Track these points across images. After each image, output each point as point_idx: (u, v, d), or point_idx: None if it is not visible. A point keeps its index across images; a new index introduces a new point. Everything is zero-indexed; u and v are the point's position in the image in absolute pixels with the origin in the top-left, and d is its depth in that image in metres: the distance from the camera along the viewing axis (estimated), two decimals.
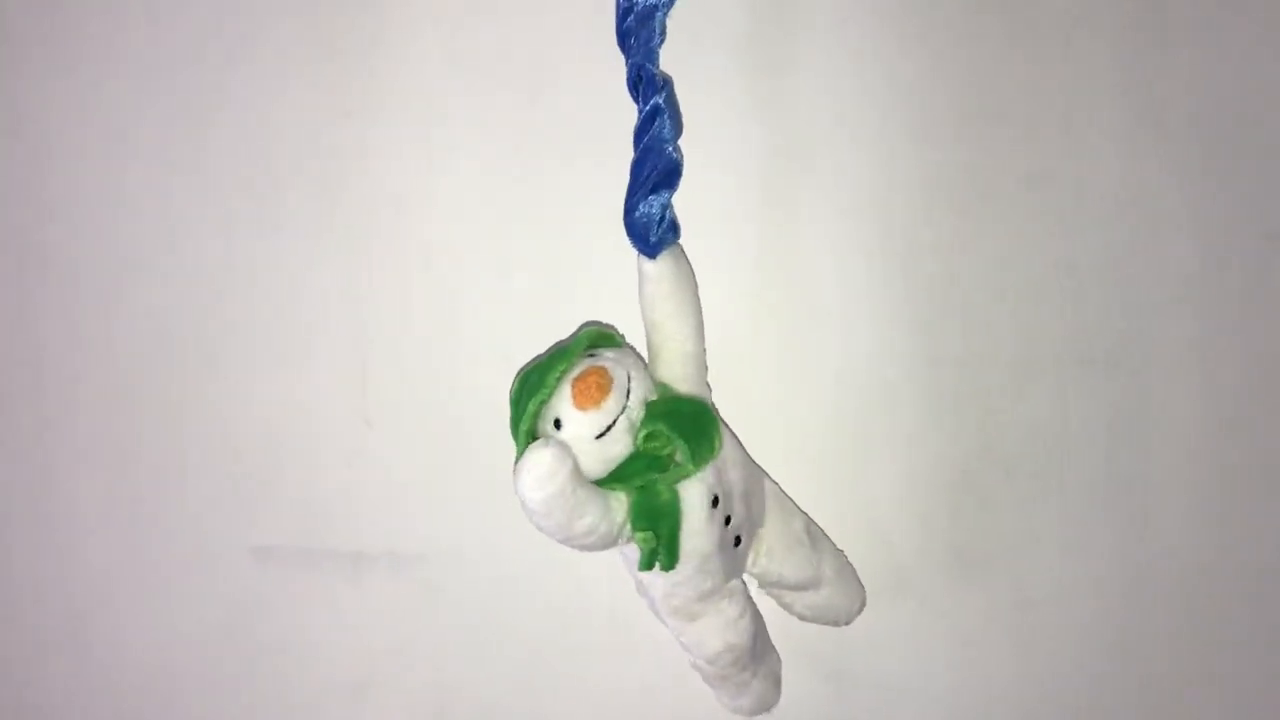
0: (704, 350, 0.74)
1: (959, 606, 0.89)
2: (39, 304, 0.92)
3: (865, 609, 0.82)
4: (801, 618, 0.81)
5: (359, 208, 0.87)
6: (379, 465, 0.90)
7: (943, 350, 0.86)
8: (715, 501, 0.71)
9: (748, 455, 0.76)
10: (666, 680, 0.86)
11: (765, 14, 0.83)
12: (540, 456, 0.65)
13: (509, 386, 0.70)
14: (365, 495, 0.91)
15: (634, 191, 0.70)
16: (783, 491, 0.79)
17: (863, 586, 0.82)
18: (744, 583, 0.77)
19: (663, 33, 0.69)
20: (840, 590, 0.80)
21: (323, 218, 0.87)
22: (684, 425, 0.68)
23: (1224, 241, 0.85)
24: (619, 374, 0.69)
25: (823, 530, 0.81)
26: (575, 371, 0.69)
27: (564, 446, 0.67)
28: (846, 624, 0.81)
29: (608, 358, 0.70)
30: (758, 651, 0.77)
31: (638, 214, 0.70)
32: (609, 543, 0.70)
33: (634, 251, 0.71)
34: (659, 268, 0.71)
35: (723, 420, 0.75)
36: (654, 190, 0.70)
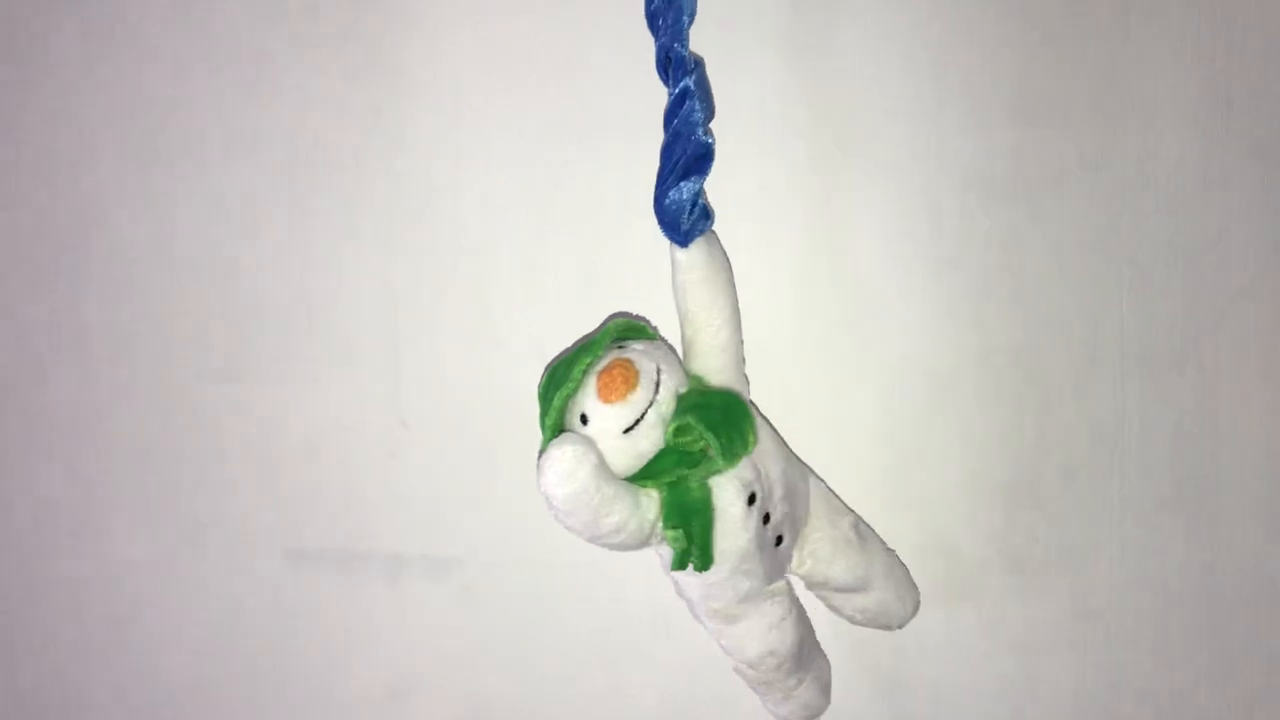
0: (740, 342, 0.72)
1: (1017, 615, 0.86)
2: (78, 310, 0.92)
3: (918, 617, 0.81)
4: (852, 620, 0.79)
5: (389, 205, 0.87)
6: (416, 467, 0.90)
7: (997, 346, 0.83)
8: (752, 499, 0.69)
9: (790, 451, 0.75)
10: (711, 687, 0.84)
11: None
12: (561, 452, 0.64)
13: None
14: (402, 498, 0.90)
15: (664, 177, 0.69)
16: (830, 490, 0.78)
17: (916, 588, 0.80)
18: (789, 584, 0.75)
19: (692, 13, 0.68)
20: (892, 592, 0.78)
21: (352, 216, 0.87)
22: (713, 418, 0.67)
23: None
24: (647, 366, 0.67)
25: (873, 530, 0.79)
26: (601, 364, 0.67)
27: (587, 441, 0.66)
28: (900, 627, 0.80)
29: (635, 349, 0.68)
30: (804, 656, 0.76)
31: (668, 201, 0.69)
32: (641, 542, 0.69)
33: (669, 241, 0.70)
34: (691, 256, 0.70)
35: (761, 415, 0.73)
36: (685, 176, 0.69)
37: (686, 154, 0.69)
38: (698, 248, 0.70)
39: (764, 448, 0.71)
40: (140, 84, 0.89)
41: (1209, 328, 0.83)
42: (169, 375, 0.91)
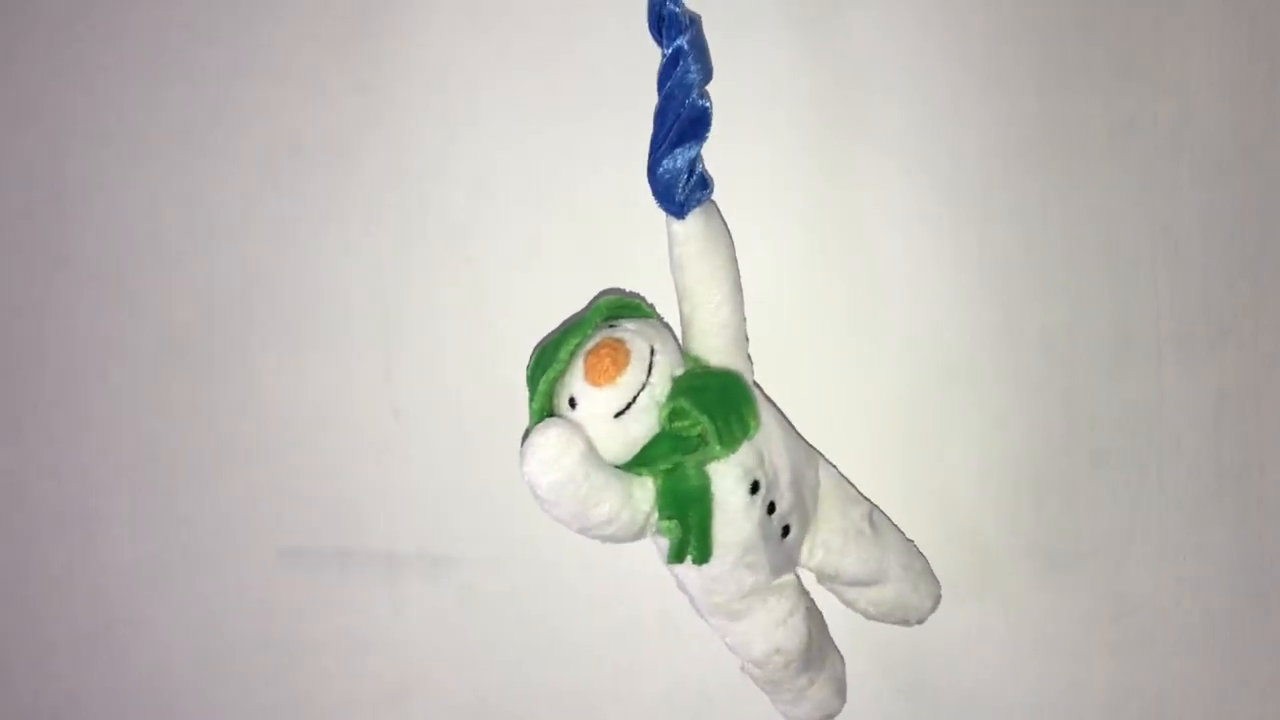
0: (742, 320, 0.69)
1: (1046, 611, 0.83)
2: (59, 297, 0.90)
3: (941, 612, 0.78)
4: (867, 615, 0.76)
5: (377, 185, 0.84)
6: (410, 461, 0.86)
7: (1022, 326, 0.80)
8: (755, 487, 0.66)
9: (798, 437, 0.72)
10: (722, 688, 0.82)
11: None
12: (545, 438, 0.62)
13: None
14: (396, 494, 0.87)
15: (657, 144, 0.66)
16: (842, 477, 0.75)
17: (937, 581, 0.77)
18: (798, 577, 0.72)
19: None
20: (909, 585, 0.75)
21: (339, 197, 0.84)
22: (710, 401, 0.64)
23: None
24: (639, 346, 0.64)
25: (889, 520, 0.76)
26: (590, 344, 0.64)
27: (573, 426, 0.63)
28: (918, 623, 0.77)
29: (627, 328, 0.66)
30: (815, 654, 0.73)
31: (661, 169, 0.66)
32: (635, 534, 0.66)
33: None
34: (687, 228, 0.67)
35: (767, 397, 0.70)
36: (679, 142, 0.66)
37: (680, 118, 0.66)
38: (695, 219, 0.67)
39: (768, 432, 0.68)
40: (122, 67, 0.87)
41: (1249, 303, 0.80)
42: (153, 368, 0.88)
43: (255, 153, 0.85)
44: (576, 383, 0.64)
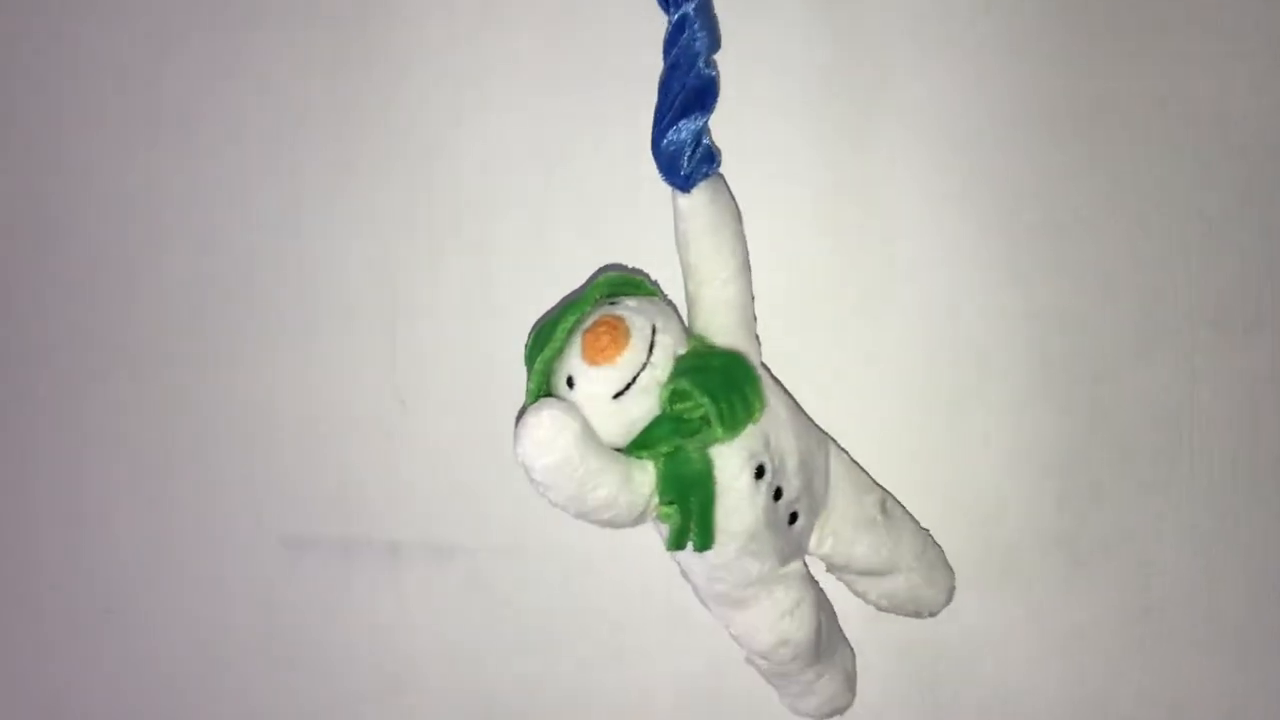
0: (750, 299, 0.68)
1: (1070, 608, 0.81)
2: (55, 279, 0.89)
3: (959, 606, 0.77)
4: (878, 607, 0.75)
5: (382, 164, 0.83)
6: (416, 448, 0.86)
7: (1048, 309, 0.78)
8: (760, 471, 0.65)
9: (808, 420, 0.71)
10: (736, 682, 0.79)
11: None
12: (539, 418, 0.61)
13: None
14: (402, 481, 0.86)
15: (662, 115, 0.65)
16: (854, 463, 0.74)
17: (951, 572, 0.76)
18: (805, 566, 0.71)
19: None
20: (923, 576, 0.74)
21: (343, 177, 0.83)
22: (712, 381, 0.63)
23: None
24: (640, 323, 0.63)
25: (904, 508, 0.75)
26: (588, 322, 0.63)
27: (569, 407, 0.62)
28: (932, 615, 0.76)
29: (628, 306, 0.65)
30: (824, 646, 0.72)
31: (666, 141, 0.65)
32: (635, 519, 0.65)
33: None
34: (693, 202, 0.66)
35: (775, 379, 0.69)
36: (684, 113, 0.65)
37: (686, 88, 0.65)
38: (701, 193, 0.66)
39: (775, 415, 0.67)
40: (115, 45, 0.86)
41: None
42: (154, 353, 0.88)
43: (255, 130, 0.84)
44: (574, 362, 0.63)
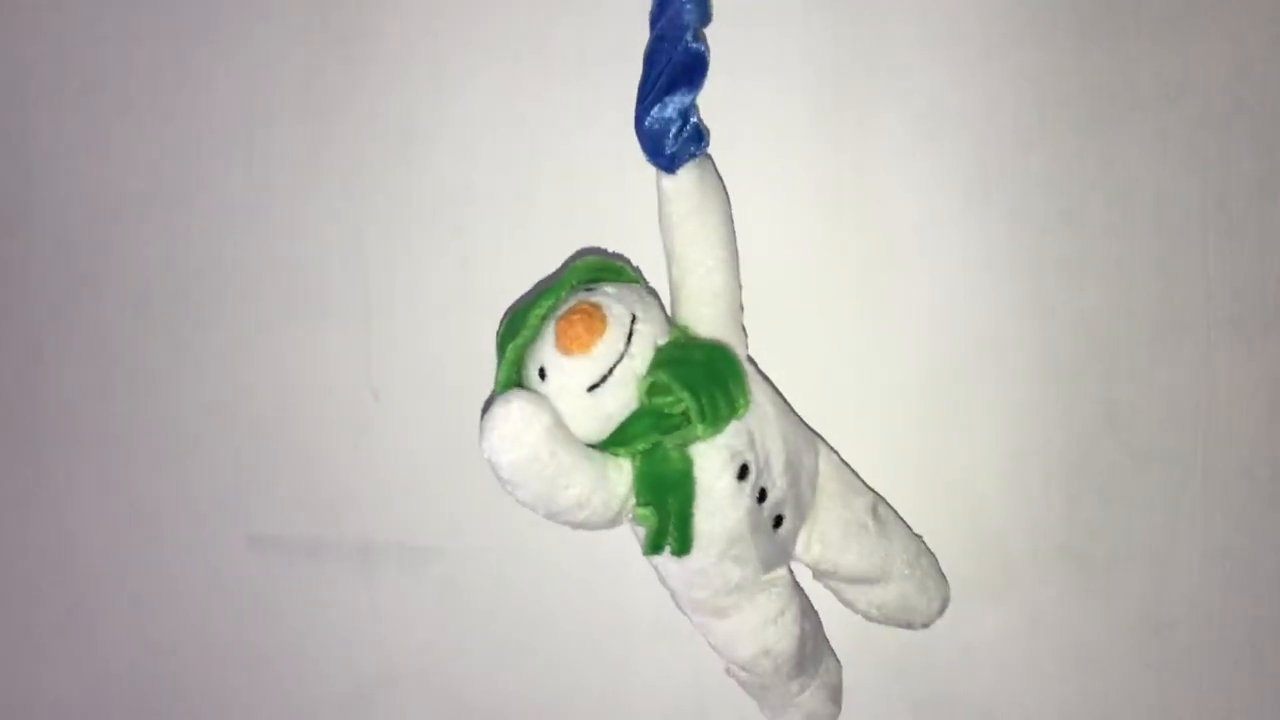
0: (737, 288, 0.66)
1: (1077, 621, 0.79)
2: (17, 267, 0.88)
3: (956, 617, 0.75)
4: (868, 617, 0.73)
5: (358, 146, 0.81)
6: (389, 444, 0.84)
7: (1057, 305, 0.76)
8: (744, 471, 0.63)
9: (797, 419, 0.69)
10: (718, 692, 0.78)
11: None
12: (506, 411, 0.58)
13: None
14: (374, 479, 0.85)
15: (646, 91, 0.63)
16: (845, 464, 0.72)
17: (945, 582, 0.74)
18: (791, 573, 0.70)
19: None
20: (915, 586, 0.72)
21: (318, 158, 0.81)
22: (693, 375, 0.61)
23: None
24: (618, 311, 0.61)
25: (896, 513, 0.73)
26: (563, 309, 0.61)
27: (539, 399, 0.60)
28: (924, 626, 0.74)
29: (606, 292, 0.62)
30: (808, 657, 0.70)
31: (649, 119, 0.63)
32: (610, 520, 0.63)
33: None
34: (678, 184, 0.64)
35: (761, 373, 0.67)
36: (670, 89, 0.63)
37: (672, 63, 0.63)
38: (687, 174, 0.64)
39: (761, 412, 0.65)
40: (84, 32, 0.85)
41: None
42: (117, 340, 0.86)
43: (228, 110, 0.83)
44: (547, 350, 0.61)
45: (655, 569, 0.67)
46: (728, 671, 0.70)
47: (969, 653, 0.79)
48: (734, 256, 0.65)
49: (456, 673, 0.86)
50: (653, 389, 0.60)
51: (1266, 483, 0.77)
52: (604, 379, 0.60)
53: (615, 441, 0.61)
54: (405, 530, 0.85)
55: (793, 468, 0.66)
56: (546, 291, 0.62)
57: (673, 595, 0.68)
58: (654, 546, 0.62)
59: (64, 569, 0.89)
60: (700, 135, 0.63)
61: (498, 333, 0.64)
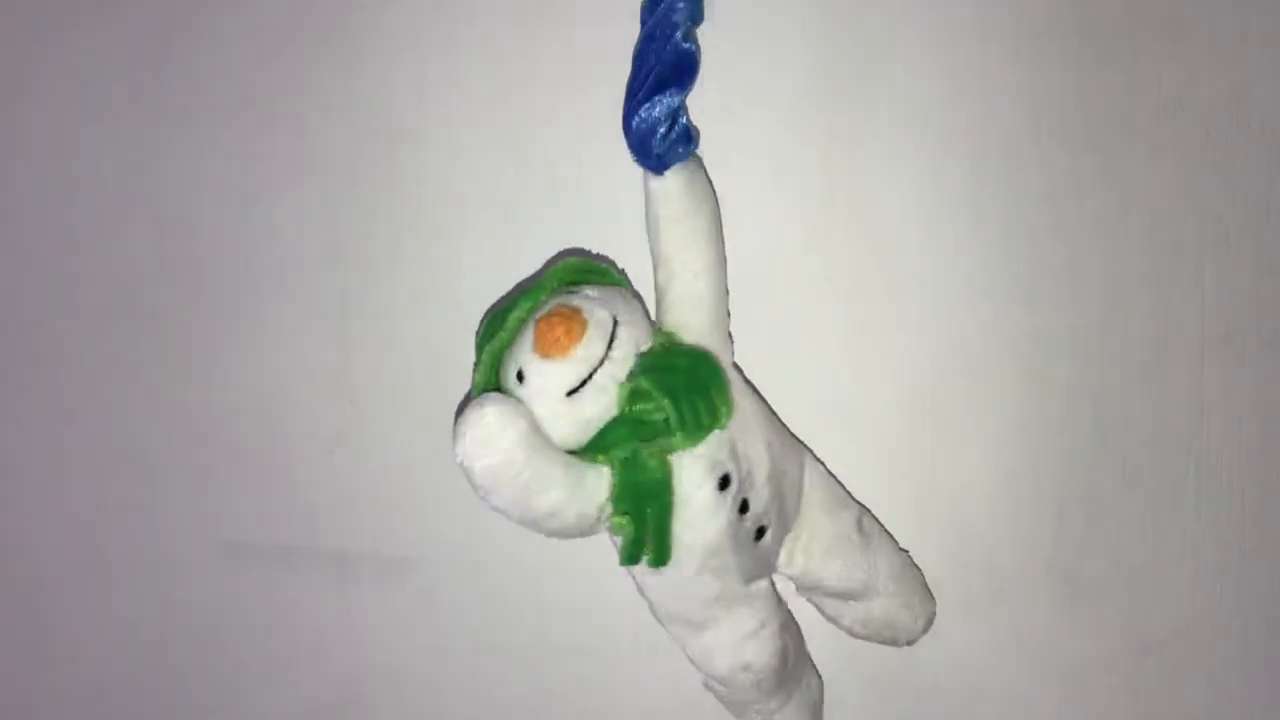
0: (723, 295, 0.65)
1: (1064, 642, 0.79)
2: None
3: (942, 635, 0.75)
4: (851, 633, 0.73)
5: (337, 144, 0.80)
6: (366, 451, 0.83)
7: (1049, 321, 0.76)
8: (725, 482, 0.62)
9: (781, 428, 0.68)
10: (702, 708, 0.76)
11: None
12: (480, 414, 0.57)
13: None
14: (350, 486, 0.83)
15: (634, 91, 0.62)
16: (831, 476, 0.71)
17: (931, 598, 0.73)
18: (773, 586, 0.69)
19: None
20: (900, 602, 0.72)
21: (299, 159, 0.80)
22: (675, 382, 0.60)
23: None
24: (599, 315, 0.60)
25: (882, 526, 0.73)
26: (543, 311, 0.60)
27: (515, 403, 0.59)
28: (909, 643, 0.73)
29: (587, 295, 0.62)
30: (789, 673, 0.69)
31: (637, 119, 0.62)
32: (586, 528, 0.62)
33: None
34: (665, 186, 0.63)
35: (747, 382, 0.67)
36: (659, 89, 0.62)
37: (662, 62, 0.62)
38: (675, 176, 0.63)
39: (745, 421, 0.64)
40: (68, 29, 0.83)
41: None
42: (87, 342, 0.85)
43: (203, 107, 0.81)
44: (525, 353, 0.60)
45: (633, 579, 0.66)
46: (706, 686, 0.69)
47: (954, 671, 0.78)
48: (722, 262, 0.65)
49: (433, 686, 0.85)
50: (633, 395, 0.60)
51: (1257, 504, 0.77)
52: (583, 384, 0.59)
53: (593, 448, 0.60)
54: (382, 539, 0.84)
55: (776, 479, 0.65)
56: (527, 293, 0.62)
57: (650, 607, 0.67)
58: (631, 557, 0.61)
59: (28, 575, 0.88)
60: (690, 137, 0.63)
61: (476, 334, 0.64)
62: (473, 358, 0.65)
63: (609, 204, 0.76)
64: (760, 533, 0.65)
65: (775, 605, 0.68)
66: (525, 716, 0.84)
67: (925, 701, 0.80)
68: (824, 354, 0.77)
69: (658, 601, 0.66)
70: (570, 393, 0.59)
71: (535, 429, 0.58)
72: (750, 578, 0.66)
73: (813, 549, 0.69)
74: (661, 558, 0.61)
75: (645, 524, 0.60)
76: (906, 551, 0.73)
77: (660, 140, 0.62)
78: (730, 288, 0.67)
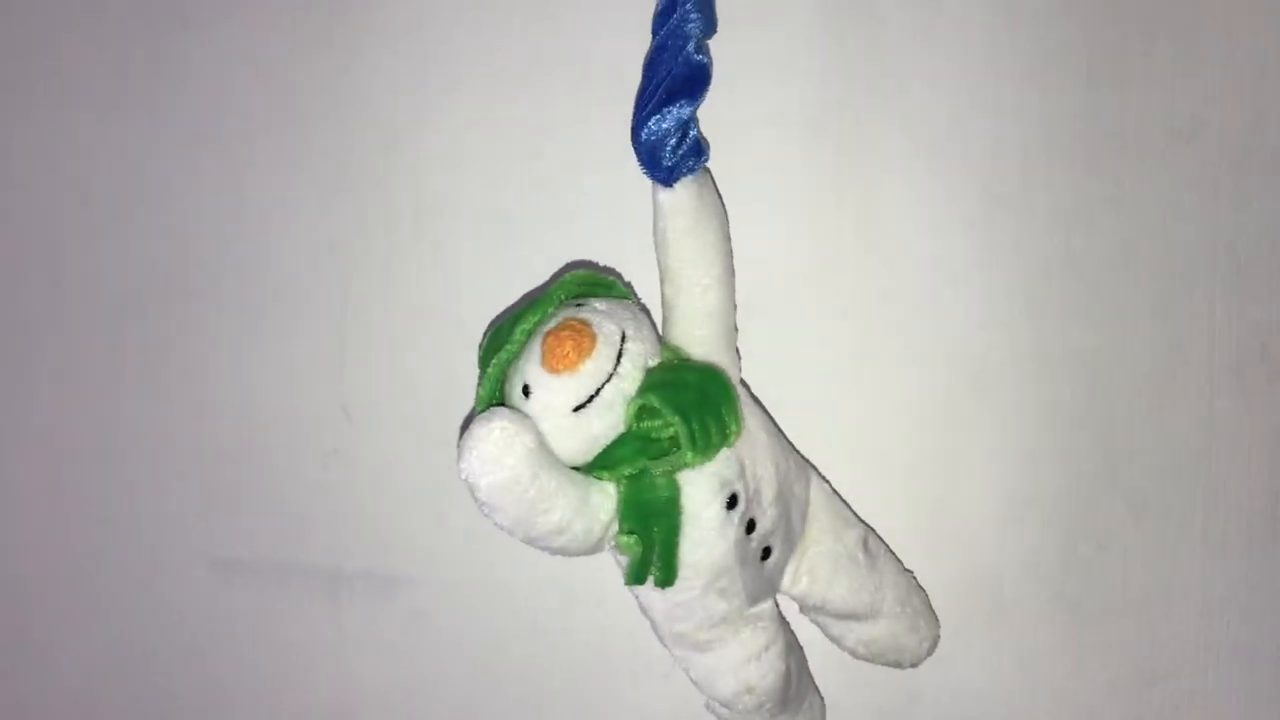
0: (732, 309, 0.64)
1: (1068, 672, 0.78)
2: None
3: (946, 659, 0.74)
4: (855, 655, 0.71)
5: (337, 154, 0.79)
6: (361, 466, 0.82)
7: (1057, 347, 0.75)
8: (732, 501, 0.61)
9: (788, 446, 0.67)
10: None
11: None
12: (488, 429, 0.56)
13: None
14: (344, 502, 0.82)
15: (644, 101, 0.62)
16: (836, 494, 0.70)
17: (936, 621, 0.72)
18: (777, 607, 0.67)
19: None
20: (905, 625, 0.71)
21: (297, 164, 0.80)
22: (685, 399, 0.59)
23: None
24: (608, 329, 0.59)
25: (887, 546, 0.72)
26: (550, 324, 0.59)
27: (523, 418, 0.57)
28: (913, 666, 0.72)
29: (596, 309, 0.60)
30: (791, 695, 0.68)
31: (646, 131, 0.61)
32: (590, 547, 0.61)
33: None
34: (675, 199, 0.62)
35: (754, 399, 0.66)
36: (669, 100, 0.61)
37: (673, 73, 0.61)
38: (685, 189, 0.62)
39: (752, 439, 0.63)
40: (57, 11, 0.83)
41: None
42: (76, 352, 0.84)
43: (198, 114, 0.81)
44: (532, 368, 0.59)
45: (636, 599, 0.65)
46: (708, 708, 0.68)
47: (957, 696, 0.77)
48: (730, 276, 0.64)
49: (425, 708, 0.84)
50: (641, 412, 0.59)
51: (1265, 537, 0.76)
52: (591, 399, 0.58)
53: (600, 465, 0.59)
54: (375, 557, 0.82)
55: (783, 498, 0.64)
56: (533, 305, 0.61)
57: (653, 627, 0.66)
58: (636, 577, 0.60)
59: (15, 591, 0.87)
60: (700, 149, 0.62)
61: (480, 347, 0.63)
62: (474, 371, 0.64)
63: (612, 215, 0.75)
64: (766, 552, 0.64)
65: (779, 627, 0.67)
66: None
67: None
68: (830, 376, 0.76)
69: (661, 622, 0.65)
70: (577, 408, 0.58)
71: (542, 446, 0.57)
72: (756, 598, 0.65)
73: (818, 569, 0.68)
74: (668, 578, 0.60)
75: (652, 543, 0.59)
76: (911, 572, 0.72)
77: (670, 153, 0.61)
78: (737, 305, 0.66)
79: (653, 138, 0.61)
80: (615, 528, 0.60)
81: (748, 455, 0.62)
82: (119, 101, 0.81)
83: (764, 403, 0.68)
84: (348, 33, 0.78)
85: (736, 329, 0.65)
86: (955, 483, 0.76)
